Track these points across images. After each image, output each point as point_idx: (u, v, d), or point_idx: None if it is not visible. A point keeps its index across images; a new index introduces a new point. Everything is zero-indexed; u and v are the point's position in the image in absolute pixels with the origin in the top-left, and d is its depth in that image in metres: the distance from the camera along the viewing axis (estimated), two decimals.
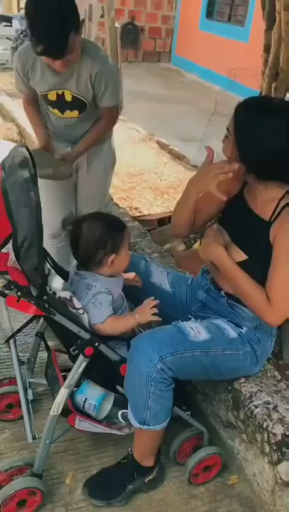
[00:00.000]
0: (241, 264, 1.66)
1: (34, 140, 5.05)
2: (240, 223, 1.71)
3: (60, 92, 2.04)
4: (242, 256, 1.67)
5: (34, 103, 2.23)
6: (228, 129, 1.62)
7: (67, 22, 1.79)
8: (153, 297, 1.72)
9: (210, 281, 1.85)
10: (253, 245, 1.67)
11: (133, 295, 1.82)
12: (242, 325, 1.74)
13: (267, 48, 2.79)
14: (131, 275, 1.85)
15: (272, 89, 2.72)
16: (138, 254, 2.11)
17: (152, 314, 1.69)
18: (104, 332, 1.66)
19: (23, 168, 1.37)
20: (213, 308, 1.81)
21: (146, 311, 1.69)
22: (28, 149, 1.45)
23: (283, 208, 1.60)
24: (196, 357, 1.62)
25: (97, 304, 1.64)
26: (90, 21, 9.35)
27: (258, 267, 1.64)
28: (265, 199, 1.66)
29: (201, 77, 9.44)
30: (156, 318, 1.69)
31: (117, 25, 6.32)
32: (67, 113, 2.12)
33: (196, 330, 1.66)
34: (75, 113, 2.12)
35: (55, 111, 2.14)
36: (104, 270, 1.68)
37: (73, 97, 2.06)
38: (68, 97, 2.05)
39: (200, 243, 1.81)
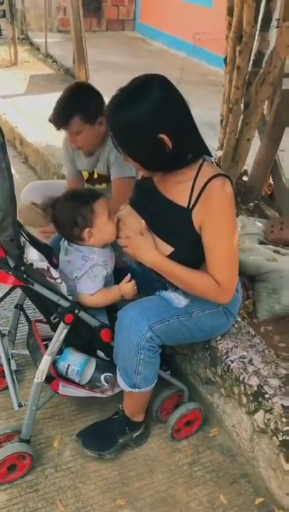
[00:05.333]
0: (169, 257, 1.61)
1: (1, 115, 4.97)
2: (158, 214, 1.64)
3: (91, 171, 2.46)
4: (169, 248, 1.61)
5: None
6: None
7: (73, 107, 2.16)
8: (129, 274, 1.75)
9: (148, 271, 1.78)
10: (177, 236, 1.61)
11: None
12: None
13: (230, 11, 2.77)
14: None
15: (237, 53, 2.72)
16: None
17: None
18: (91, 303, 1.70)
19: None
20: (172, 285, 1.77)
21: (130, 289, 1.74)
22: None
23: (201, 191, 1.54)
24: (182, 322, 1.67)
25: (92, 276, 1.69)
26: None
27: (186, 256, 1.61)
28: (176, 180, 1.59)
29: (166, 44, 9.30)
30: (135, 292, 1.74)
31: None
32: (98, 186, 2.49)
33: (176, 297, 1.70)
34: (104, 185, 2.46)
35: (89, 185, 2.53)
36: (89, 243, 1.70)
37: (98, 175, 2.43)
38: (96, 175, 2.45)
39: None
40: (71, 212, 1.67)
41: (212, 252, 1.58)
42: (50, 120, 2.21)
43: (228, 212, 1.55)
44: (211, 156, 1.65)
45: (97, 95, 2.24)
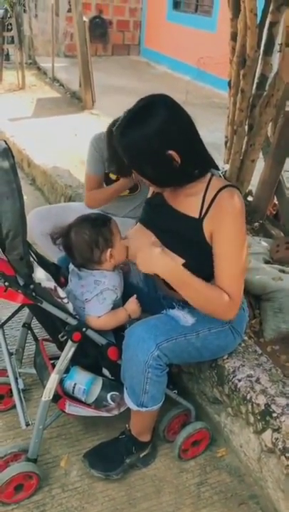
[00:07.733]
0: None
1: (8, 137, 5.06)
2: (169, 227, 1.67)
3: None
4: (180, 260, 1.62)
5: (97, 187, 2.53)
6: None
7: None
8: (135, 295, 1.78)
9: (155, 290, 1.84)
10: (188, 247, 1.63)
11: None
12: None
13: (234, 36, 2.84)
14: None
15: (241, 77, 2.78)
16: None
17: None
18: (97, 325, 1.71)
19: (2, 160, 1.40)
20: (178, 303, 1.79)
21: (136, 306, 1.76)
22: (6, 142, 1.49)
23: (211, 202, 1.58)
24: (189, 340, 1.68)
25: (101, 299, 1.71)
26: (58, 16, 9.28)
27: (197, 267, 1.60)
28: (187, 193, 1.63)
29: (170, 68, 9.48)
30: (140, 309, 1.77)
31: (84, 19, 6.31)
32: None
33: (183, 315, 1.71)
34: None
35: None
36: (107, 266, 1.73)
37: None
38: None
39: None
40: (92, 235, 1.69)
41: (221, 261, 1.59)
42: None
43: (237, 220, 1.57)
44: (218, 170, 1.69)
45: None
